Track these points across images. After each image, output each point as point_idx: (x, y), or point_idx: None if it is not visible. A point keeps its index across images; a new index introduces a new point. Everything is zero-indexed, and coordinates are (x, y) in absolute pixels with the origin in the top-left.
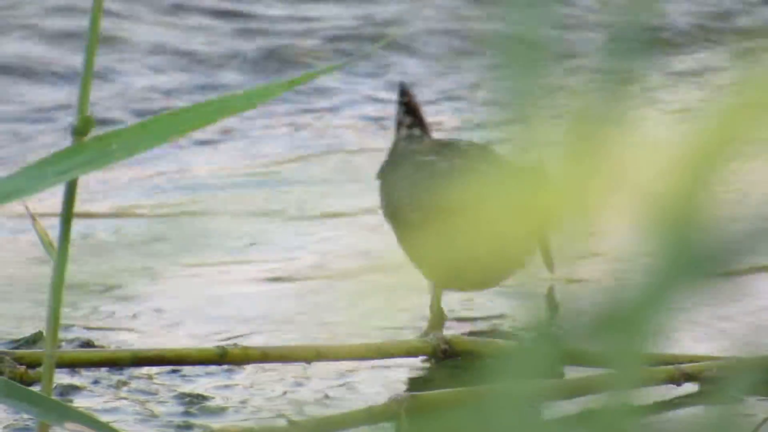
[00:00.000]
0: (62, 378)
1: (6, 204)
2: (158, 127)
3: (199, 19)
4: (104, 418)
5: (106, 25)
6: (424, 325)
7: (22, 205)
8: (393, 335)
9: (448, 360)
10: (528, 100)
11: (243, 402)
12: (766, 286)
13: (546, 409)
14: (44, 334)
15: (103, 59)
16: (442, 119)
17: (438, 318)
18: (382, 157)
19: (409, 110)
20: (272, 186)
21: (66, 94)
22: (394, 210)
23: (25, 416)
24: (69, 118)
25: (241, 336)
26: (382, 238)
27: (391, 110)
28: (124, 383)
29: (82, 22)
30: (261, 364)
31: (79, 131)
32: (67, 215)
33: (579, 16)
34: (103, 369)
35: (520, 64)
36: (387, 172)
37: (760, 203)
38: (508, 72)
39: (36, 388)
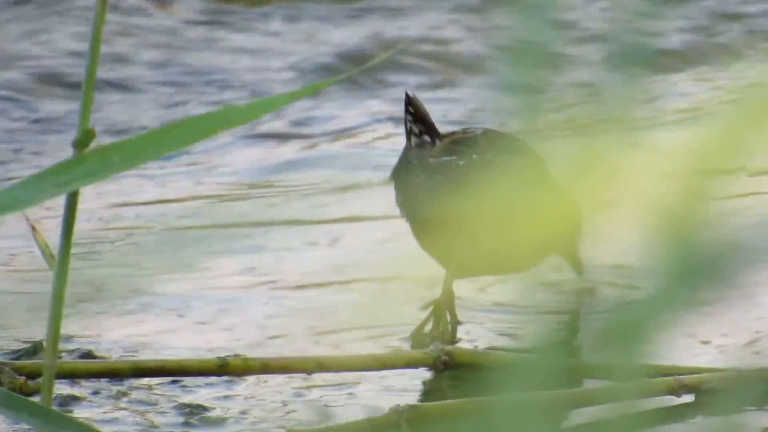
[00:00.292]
0: (62, 388)
1: (5, 215)
2: (160, 139)
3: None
4: (104, 428)
5: None
6: (432, 304)
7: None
8: (394, 346)
9: (449, 371)
10: (540, 110)
11: (243, 413)
12: (765, 297)
13: (549, 419)
14: (44, 344)
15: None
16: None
17: (448, 297)
18: (389, 166)
19: (418, 119)
20: (272, 194)
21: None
22: (410, 209)
23: (25, 426)
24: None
25: (243, 344)
26: (385, 247)
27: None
28: (125, 394)
29: None
30: (261, 375)
31: (80, 143)
32: (67, 227)
33: (582, 28)
34: (103, 379)
35: (525, 76)
36: (400, 173)
37: (764, 214)
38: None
39: (36, 399)
